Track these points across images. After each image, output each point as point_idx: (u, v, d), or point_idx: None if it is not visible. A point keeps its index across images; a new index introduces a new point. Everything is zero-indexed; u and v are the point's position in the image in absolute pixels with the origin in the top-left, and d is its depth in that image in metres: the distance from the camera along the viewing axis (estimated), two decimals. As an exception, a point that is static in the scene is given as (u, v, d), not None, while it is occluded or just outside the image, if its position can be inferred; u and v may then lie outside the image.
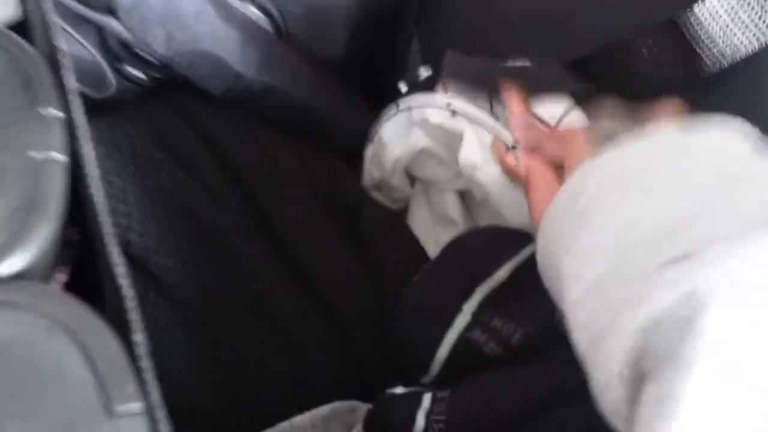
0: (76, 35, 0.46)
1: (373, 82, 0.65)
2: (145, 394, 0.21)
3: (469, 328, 0.41)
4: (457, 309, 0.41)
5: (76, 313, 0.22)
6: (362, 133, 0.56)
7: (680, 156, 0.28)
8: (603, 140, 0.34)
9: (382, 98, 0.59)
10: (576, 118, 0.43)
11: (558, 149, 0.38)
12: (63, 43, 0.28)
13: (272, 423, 0.40)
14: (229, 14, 0.51)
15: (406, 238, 0.52)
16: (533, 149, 0.41)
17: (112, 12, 0.45)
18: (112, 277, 0.23)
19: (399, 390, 0.41)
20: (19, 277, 0.23)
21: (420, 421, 0.38)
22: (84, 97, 0.28)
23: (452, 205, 0.54)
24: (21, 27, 0.36)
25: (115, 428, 0.20)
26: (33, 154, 0.24)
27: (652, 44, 0.39)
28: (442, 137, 0.50)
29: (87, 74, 0.49)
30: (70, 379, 0.21)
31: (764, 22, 0.35)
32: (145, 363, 0.22)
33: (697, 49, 0.37)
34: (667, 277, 0.23)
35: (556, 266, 0.30)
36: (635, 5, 0.43)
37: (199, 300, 0.43)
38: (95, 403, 0.20)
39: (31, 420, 0.20)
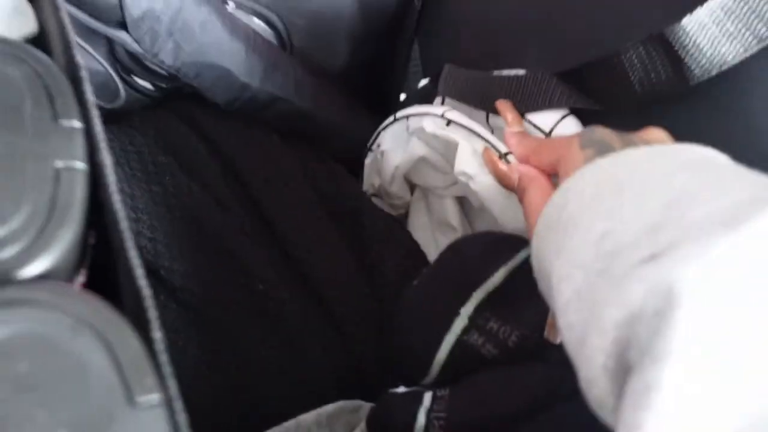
0: (88, 48, 0.47)
1: (374, 92, 0.66)
2: (163, 386, 0.22)
3: (466, 331, 0.41)
4: (454, 313, 0.42)
5: (99, 311, 0.23)
6: (363, 142, 0.58)
7: (656, 165, 0.30)
8: (595, 147, 0.35)
9: (384, 108, 0.60)
10: (569, 125, 0.44)
11: (551, 156, 0.39)
12: (81, 58, 0.29)
13: (275, 421, 0.41)
14: (234, 26, 0.52)
15: (406, 243, 0.53)
16: (527, 156, 0.41)
17: (122, 25, 0.47)
18: (131, 279, 0.24)
19: (401, 389, 0.42)
20: (43, 278, 0.24)
21: (421, 418, 0.39)
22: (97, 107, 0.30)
23: (451, 211, 0.55)
24: (35, 40, 0.38)
25: (137, 417, 0.22)
26: (56, 163, 0.26)
27: (643, 54, 0.39)
28: (439, 146, 0.50)
29: (98, 86, 0.50)
30: (95, 372, 0.22)
31: (750, 33, 0.36)
32: (164, 358, 0.23)
33: (686, 59, 0.37)
34: (641, 275, 0.25)
35: (548, 269, 0.31)
36: (627, 17, 0.44)
37: (204, 301, 0.44)
38: (118, 394, 0.22)
39: (59, 409, 0.21)
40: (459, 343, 0.41)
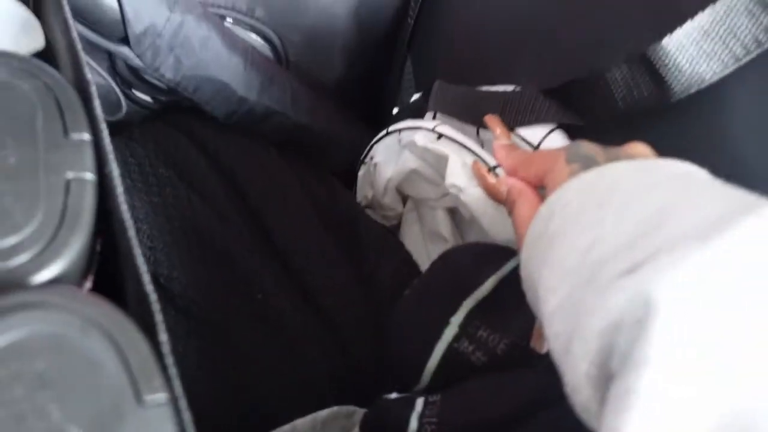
0: (90, 61, 0.48)
1: (368, 105, 0.67)
2: (169, 386, 0.24)
3: (456, 339, 0.42)
4: (445, 321, 0.42)
5: (108, 314, 0.24)
6: (358, 154, 0.58)
7: (637, 179, 0.31)
8: (581, 162, 0.35)
9: (377, 121, 0.61)
10: (556, 139, 0.45)
11: (539, 170, 0.39)
12: (89, 73, 0.30)
13: (273, 425, 0.42)
14: (232, 42, 0.54)
15: (400, 253, 0.54)
16: (515, 169, 0.42)
17: (124, 40, 0.48)
18: (139, 284, 0.26)
19: (393, 395, 0.43)
20: (55, 282, 0.25)
21: (413, 423, 0.39)
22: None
23: (442, 223, 0.56)
24: (41, 54, 0.39)
25: (144, 415, 0.23)
26: (67, 174, 0.27)
27: (626, 72, 0.41)
28: (430, 158, 0.51)
29: (100, 98, 0.51)
30: (104, 371, 0.23)
31: (727, 52, 0.38)
32: (169, 360, 0.24)
33: (667, 77, 0.39)
34: (621, 286, 0.26)
35: (536, 280, 0.32)
36: (611, 37, 0.45)
37: (203, 308, 0.45)
38: (126, 393, 0.23)
39: (72, 406, 0.22)
40: (450, 350, 0.42)
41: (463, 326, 0.42)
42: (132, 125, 0.55)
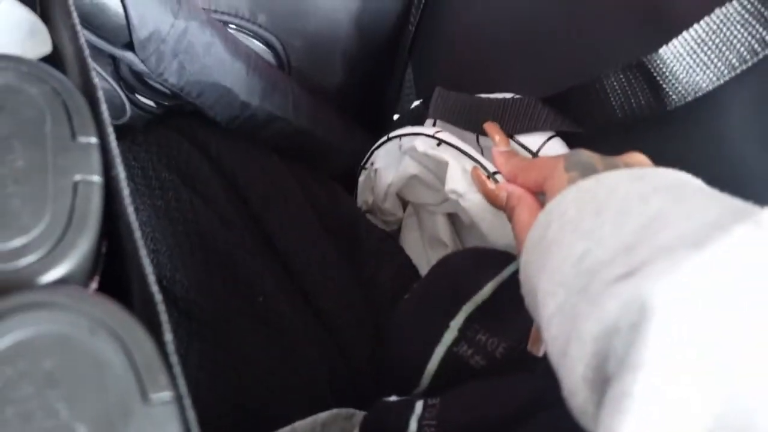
0: (95, 66, 0.49)
1: (369, 112, 0.68)
2: (174, 385, 0.24)
3: (456, 342, 0.43)
4: (444, 325, 0.43)
5: (115, 313, 0.25)
6: (358, 160, 0.59)
7: (634, 188, 0.31)
8: (579, 170, 0.36)
9: (378, 127, 0.61)
10: (555, 146, 0.46)
11: (538, 176, 0.39)
12: (96, 78, 0.31)
13: (273, 427, 0.42)
14: (236, 48, 0.54)
15: (400, 258, 0.54)
16: (515, 175, 0.42)
17: (128, 46, 0.49)
18: (144, 285, 0.26)
19: (393, 398, 0.43)
20: (62, 283, 0.26)
21: (413, 425, 0.40)
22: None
23: (442, 228, 0.56)
24: (47, 58, 0.39)
25: (150, 413, 0.23)
26: (75, 176, 0.28)
27: (623, 80, 0.41)
28: (430, 164, 0.52)
29: (105, 103, 0.52)
30: (111, 370, 0.23)
31: (722, 62, 0.38)
32: (174, 359, 0.25)
33: (664, 85, 0.39)
34: (616, 291, 0.26)
35: (535, 285, 0.32)
36: (609, 46, 0.46)
37: (205, 310, 0.46)
38: (133, 391, 0.23)
39: (79, 404, 0.22)
40: (449, 354, 0.43)
41: (463, 330, 0.43)
42: (135, 130, 0.56)
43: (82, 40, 0.31)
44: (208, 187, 0.52)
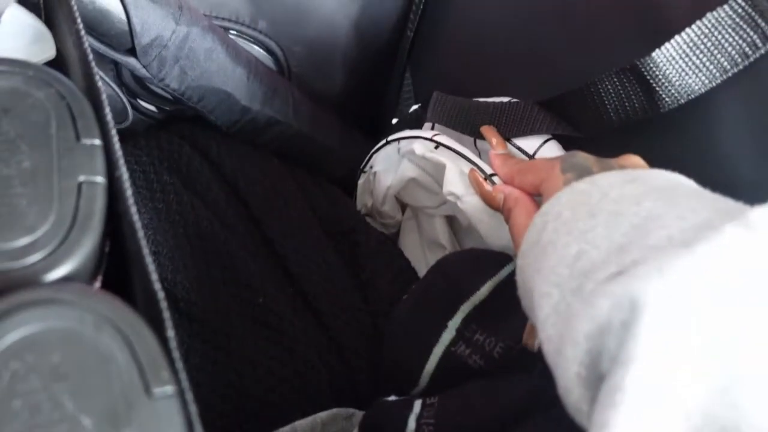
0: (99, 71, 0.50)
1: (368, 116, 0.68)
2: (176, 379, 0.25)
3: (454, 342, 0.43)
4: (442, 325, 0.43)
5: (119, 310, 0.25)
6: (357, 164, 0.59)
7: (627, 189, 0.32)
8: (575, 172, 0.36)
9: (377, 131, 0.62)
10: (551, 149, 0.46)
11: (534, 178, 0.40)
12: (100, 82, 0.32)
13: (273, 426, 0.42)
14: (236, 53, 0.55)
15: (398, 260, 0.55)
16: (511, 177, 0.42)
17: (130, 51, 0.49)
18: (147, 282, 0.27)
19: (392, 398, 0.43)
20: (67, 281, 0.27)
21: (411, 424, 0.40)
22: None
23: (441, 230, 0.57)
24: (52, 63, 0.40)
25: (153, 406, 0.24)
26: (79, 177, 0.28)
27: (617, 83, 0.42)
28: (428, 167, 0.52)
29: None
30: (115, 365, 0.24)
31: (714, 65, 0.39)
32: (176, 354, 0.25)
33: (657, 88, 0.40)
34: (608, 290, 0.27)
35: (531, 286, 0.33)
36: (603, 50, 0.47)
37: (205, 311, 0.46)
38: (136, 386, 0.24)
39: (85, 398, 0.23)
40: (447, 354, 0.43)
41: (460, 330, 0.43)
42: (137, 134, 0.56)
43: (86, 45, 0.31)
44: (209, 191, 0.52)
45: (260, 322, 0.47)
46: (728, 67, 0.39)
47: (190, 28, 0.50)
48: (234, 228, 0.51)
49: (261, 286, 0.48)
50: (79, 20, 0.33)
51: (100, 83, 0.31)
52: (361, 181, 0.60)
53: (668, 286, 0.26)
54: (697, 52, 0.39)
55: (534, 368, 0.41)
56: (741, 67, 0.38)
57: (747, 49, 0.38)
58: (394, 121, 0.65)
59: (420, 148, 0.51)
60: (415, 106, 0.60)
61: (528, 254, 0.34)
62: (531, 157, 0.46)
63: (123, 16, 0.46)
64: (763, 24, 0.37)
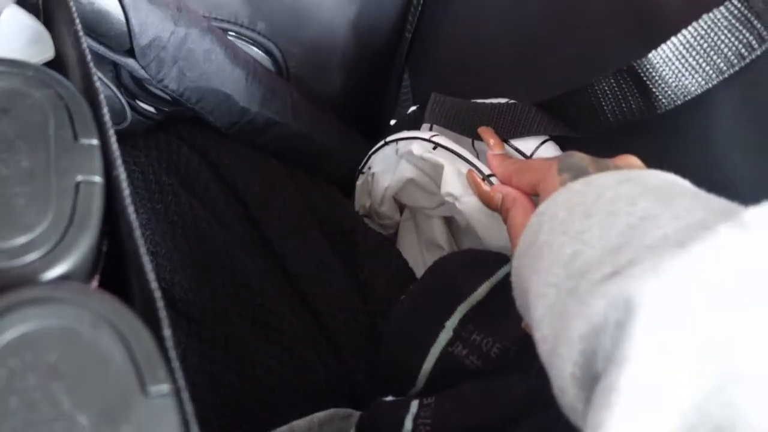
0: (97, 72, 0.50)
1: (366, 117, 0.69)
2: (172, 378, 0.25)
3: (451, 343, 0.43)
4: (440, 325, 0.43)
5: (116, 309, 0.25)
6: (356, 165, 0.59)
7: (622, 190, 0.32)
8: (572, 172, 0.36)
9: (375, 132, 0.62)
10: (549, 150, 0.46)
11: (532, 178, 0.40)
12: (97, 82, 0.32)
13: (270, 426, 0.42)
14: (235, 54, 0.55)
15: (396, 261, 0.55)
16: (509, 177, 0.43)
17: (129, 52, 0.49)
18: (144, 282, 0.27)
19: (389, 398, 0.43)
20: (64, 279, 0.27)
21: (408, 424, 0.40)
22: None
23: (439, 231, 0.57)
24: (51, 63, 0.40)
25: (149, 405, 0.24)
26: (77, 177, 0.28)
27: (614, 84, 0.42)
28: (426, 168, 0.52)
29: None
30: (112, 363, 0.24)
31: (710, 66, 0.39)
32: (173, 353, 0.25)
33: (654, 89, 0.40)
34: (603, 290, 0.27)
35: (527, 287, 0.33)
36: (600, 52, 0.47)
37: (204, 312, 0.46)
38: (132, 384, 0.24)
39: (81, 396, 0.23)
40: (444, 354, 0.43)
41: (458, 330, 0.43)
42: (136, 135, 0.56)
43: (84, 46, 0.32)
44: (207, 191, 0.52)
45: (259, 322, 0.47)
46: (724, 68, 0.39)
47: (189, 29, 0.50)
48: (233, 228, 0.51)
49: (259, 287, 0.48)
50: (77, 21, 0.33)
51: (98, 83, 0.32)
52: (359, 182, 0.60)
53: (663, 286, 0.26)
54: (694, 53, 0.39)
55: (531, 368, 0.41)
56: (737, 68, 0.39)
57: (743, 50, 0.38)
58: (393, 122, 0.65)
59: (418, 148, 0.51)
60: (413, 107, 0.60)
61: (524, 255, 0.34)
62: (528, 158, 0.47)
63: (122, 17, 0.47)
64: (758, 25, 0.37)
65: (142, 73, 0.51)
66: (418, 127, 0.55)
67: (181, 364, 0.25)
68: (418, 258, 0.58)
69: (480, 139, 0.48)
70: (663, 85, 0.40)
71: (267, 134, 0.58)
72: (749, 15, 0.37)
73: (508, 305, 0.37)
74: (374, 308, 0.50)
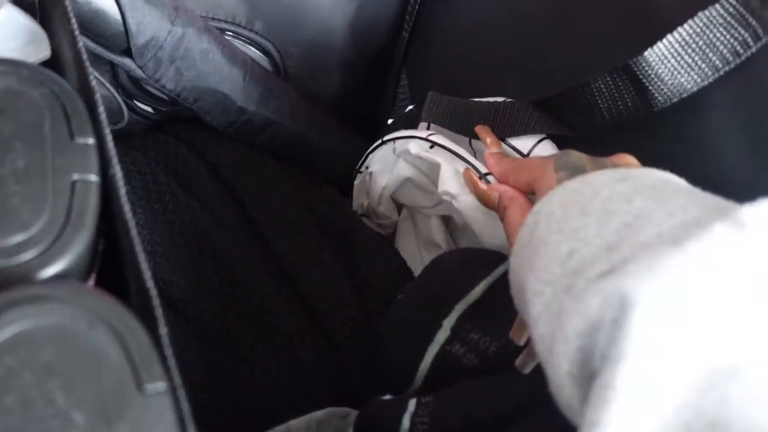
0: (94, 72, 0.50)
1: (364, 116, 0.69)
2: (168, 376, 0.25)
3: (448, 341, 0.43)
4: (437, 324, 0.44)
5: (112, 307, 0.25)
6: (354, 164, 0.59)
7: (618, 188, 0.32)
8: (568, 170, 0.36)
9: (373, 132, 0.62)
10: (545, 148, 0.46)
11: (528, 177, 0.40)
12: (95, 83, 0.32)
13: (268, 426, 0.42)
14: (232, 54, 0.55)
15: (394, 260, 0.55)
16: (506, 176, 0.43)
17: (126, 52, 0.49)
18: (140, 281, 0.27)
19: (387, 397, 0.44)
20: (60, 278, 0.27)
21: (406, 422, 0.40)
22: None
23: (436, 230, 0.57)
24: (47, 63, 0.40)
25: (145, 403, 0.24)
26: (73, 175, 0.28)
27: (610, 82, 0.42)
28: (423, 166, 0.52)
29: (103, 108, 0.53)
30: (108, 361, 0.24)
31: (705, 64, 0.39)
32: (169, 351, 0.26)
33: (650, 87, 0.40)
34: (598, 288, 0.27)
35: (524, 285, 0.33)
36: (597, 50, 0.47)
37: (201, 311, 0.46)
38: (129, 382, 0.24)
39: (77, 393, 0.23)
40: (442, 353, 0.43)
41: (455, 329, 0.43)
42: (134, 135, 0.56)
43: (81, 45, 0.32)
44: (205, 191, 0.52)
45: (256, 322, 0.47)
46: (720, 65, 0.39)
47: (186, 29, 0.50)
48: (230, 228, 0.51)
49: (257, 286, 0.48)
50: (73, 21, 0.33)
51: (94, 83, 0.32)
52: (357, 182, 0.60)
53: (657, 282, 0.26)
54: (689, 51, 0.39)
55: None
56: (733, 65, 0.39)
57: (738, 47, 0.38)
58: (390, 121, 0.65)
59: (415, 147, 0.51)
60: (410, 107, 0.60)
61: (521, 253, 0.34)
62: (525, 156, 0.47)
63: (118, 17, 0.47)
64: (754, 22, 0.37)
65: (139, 72, 0.51)
66: (415, 126, 0.55)
67: (178, 363, 0.25)
68: (417, 257, 0.58)
69: (477, 137, 0.48)
70: (659, 83, 0.40)
71: (265, 134, 0.58)
72: (745, 12, 0.37)
73: (506, 304, 0.37)
74: (372, 307, 0.51)
